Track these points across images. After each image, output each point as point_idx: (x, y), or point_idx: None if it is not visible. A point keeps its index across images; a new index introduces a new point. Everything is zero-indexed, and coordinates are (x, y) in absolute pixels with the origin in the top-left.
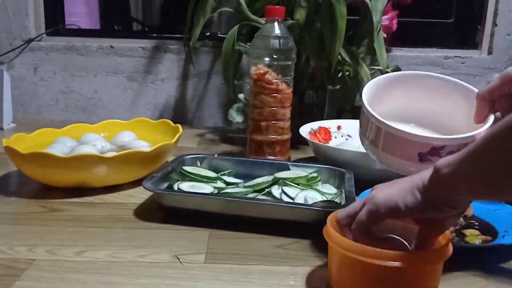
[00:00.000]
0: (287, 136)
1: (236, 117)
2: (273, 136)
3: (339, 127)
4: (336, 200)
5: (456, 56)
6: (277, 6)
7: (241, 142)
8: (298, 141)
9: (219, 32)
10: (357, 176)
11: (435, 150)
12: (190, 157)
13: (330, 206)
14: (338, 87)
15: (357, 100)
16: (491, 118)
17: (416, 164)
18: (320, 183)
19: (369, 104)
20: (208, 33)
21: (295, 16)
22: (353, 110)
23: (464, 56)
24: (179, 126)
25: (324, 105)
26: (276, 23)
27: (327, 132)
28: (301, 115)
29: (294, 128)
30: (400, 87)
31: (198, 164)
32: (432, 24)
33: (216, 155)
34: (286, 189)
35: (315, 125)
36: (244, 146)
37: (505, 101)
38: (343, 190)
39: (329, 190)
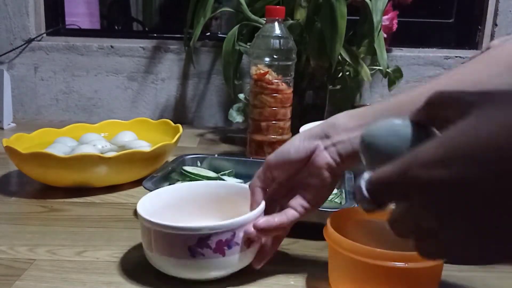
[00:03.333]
0: (288, 136)
1: (237, 117)
2: (273, 136)
3: None
4: (336, 200)
5: (456, 56)
6: (277, 6)
7: (242, 142)
8: None
9: (219, 32)
10: (357, 175)
11: (202, 241)
12: (190, 157)
13: (330, 206)
14: (338, 87)
15: (358, 100)
16: (263, 203)
17: (189, 261)
18: None
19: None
20: (208, 33)
21: (295, 16)
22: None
23: (465, 56)
24: (179, 126)
25: (324, 105)
26: (276, 23)
27: None
28: (301, 115)
29: (294, 128)
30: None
31: (198, 164)
32: (432, 24)
33: (216, 155)
34: None
35: (315, 125)
36: (244, 146)
37: (279, 187)
38: (343, 190)
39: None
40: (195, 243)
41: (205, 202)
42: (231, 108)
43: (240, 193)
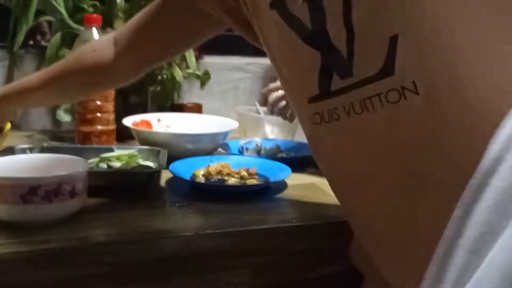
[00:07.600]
0: (113, 126)
1: (65, 117)
2: (99, 127)
3: (159, 120)
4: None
5: None
6: (94, 15)
7: (70, 139)
8: (124, 137)
9: (43, 41)
10: (171, 153)
11: (33, 190)
12: (19, 148)
13: (150, 169)
14: (158, 88)
15: (176, 99)
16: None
17: (21, 206)
18: (141, 159)
19: None
20: (32, 42)
21: (114, 25)
22: (172, 107)
23: None
24: (9, 123)
25: (147, 104)
26: (94, 29)
27: (148, 124)
28: (126, 114)
29: (121, 124)
30: None
31: (28, 153)
32: None
33: (45, 144)
34: (111, 164)
35: (137, 117)
36: (73, 141)
37: None
38: (159, 163)
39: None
40: (27, 192)
41: (40, 167)
42: (58, 109)
43: (64, 159)
